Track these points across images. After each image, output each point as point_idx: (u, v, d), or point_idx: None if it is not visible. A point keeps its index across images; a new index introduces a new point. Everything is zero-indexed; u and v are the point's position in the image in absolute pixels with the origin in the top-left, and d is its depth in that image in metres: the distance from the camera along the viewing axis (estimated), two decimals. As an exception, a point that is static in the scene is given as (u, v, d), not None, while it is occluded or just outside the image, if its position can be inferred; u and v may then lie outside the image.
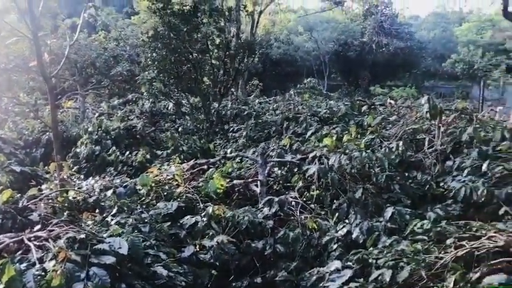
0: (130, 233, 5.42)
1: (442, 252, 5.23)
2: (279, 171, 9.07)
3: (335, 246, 6.51)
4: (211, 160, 9.11)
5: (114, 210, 6.43)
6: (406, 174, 8.26)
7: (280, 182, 8.92)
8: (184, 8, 14.07)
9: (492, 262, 4.82)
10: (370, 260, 5.44)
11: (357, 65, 35.53)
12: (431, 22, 46.59)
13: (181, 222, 6.67)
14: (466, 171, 7.67)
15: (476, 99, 29.02)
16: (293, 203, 7.63)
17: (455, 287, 4.62)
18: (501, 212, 6.41)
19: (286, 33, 33.75)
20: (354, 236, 6.39)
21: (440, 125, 9.27)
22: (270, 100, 20.23)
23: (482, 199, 6.84)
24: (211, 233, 6.48)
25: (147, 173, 7.90)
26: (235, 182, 8.24)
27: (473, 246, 5.19)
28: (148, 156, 10.79)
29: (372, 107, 14.05)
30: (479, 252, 5.10)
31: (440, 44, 41.22)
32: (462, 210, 6.94)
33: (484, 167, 7.47)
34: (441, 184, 7.78)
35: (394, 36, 35.91)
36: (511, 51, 32.04)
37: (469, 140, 8.69)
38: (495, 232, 5.47)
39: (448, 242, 5.39)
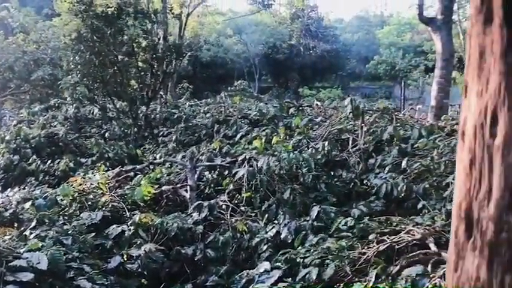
0: (51, 246, 5.15)
1: (365, 247, 5.46)
2: (210, 175, 9.01)
3: (265, 248, 6.56)
4: (138, 166, 8.87)
5: (34, 223, 6.09)
6: (332, 173, 8.53)
7: (212, 185, 8.86)
8: (108, 10, 13.61)
9: (410, 255, 5.10)
10: (297, 259, 5.56)
11: (286, 67, 36.23)
12: (355, 25, 48.55)
13: (107, 232, 6.44)
14: (387, 169, 8.05)
15: (399, 98, 30.61)
16: (223, 206, 7.62)
17: (377, 280, 4.83)
18: (419, 206, 6.78)
19: (216, 35, 33.73)
20: (282, 236, 6.48)
21: (362, 124, 9.67)
22: (200, 103, 20.07)
23: (402, 194, 7.22)
24: (139, 242, 6.31)
25: (68, 182, 7.54)
26: (163, 188, 8.08)
27: (393, 240, 5.46)
28: (71, 164, 10.32)
29: (300, 108, 14.36)
30: (399, 246, 5.38)
31: (363, 46, 43.03)
32: (384, 206, 7.27)
33: (404, 164, 7.90)
34: (365, 181, 8.12)
35: (320, 39, 37.03)
36: (429, 53, 34.09)
37: (390, 139, 9.14)
38: (413, 226, 5.80)
39: (371, 237, 5.63)
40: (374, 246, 5.38)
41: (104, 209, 7.06)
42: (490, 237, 0.96)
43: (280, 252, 5.88)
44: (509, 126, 0.94)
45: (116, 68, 14.12)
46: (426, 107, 18.96)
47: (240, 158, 8.42)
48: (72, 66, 14.00)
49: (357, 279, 5.04)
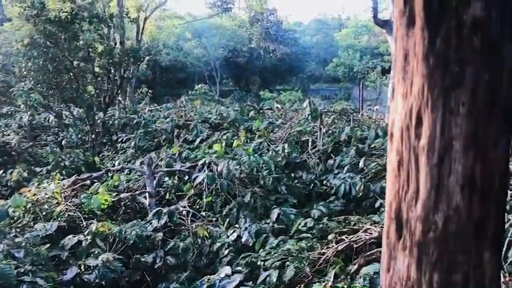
0: (1, 260, 4.93)
1: (325, 248, 5.51)
2: (170, 181, 8.90)
3: (226, 252, 6.51)
4: (95, 174, 8.64)
5: (-18, 238, 5.82)
6: (292, 175, 8.60)
7: (172, 191, 8.76)
8: (61, 14, 13.24)
9: (368, 253, 5.18)
10: (258, 263, 5.55)
11: (247, 70, 36.31)
12: (313, 28, 49.26)
13: (62, 243, 6.23)
14: (345, 169, 8.18)
15: (357, 99, 31.19)
16: (184, 212, 7.53)
17: (336, 280, 4.87)
18: (377, 204, 6.91)
19: (174, 39, 33.40)
20: (243, 240, 6.45)
21: (321, 126, 9.81)
22: (161, 108, 19.83)
23: (360, 194, 7.35)
24: (96, 252, 6.14)
25: (20, 193, 7.27)
26: (122, 195, 7.91)
27: (351, 239, 5.53)
28: (25, 174, 9.95)
29: (261, 111, 14.42)
30: (358, 245, 5.46)
31: (322, 49, 43.72)
32: (343, 205, 7.38)
33: (361, 163, 8.04)
34: (324, 182, 8.22)
35: (280, 42, 37.33)
36: (385, 55, 34.93)
37: (348, 139, 9.31)
38: (371, 224, 5.90)
39: (330, 237, 5.69)
40: (333, 246, 5.43)
41: (59, 219, 6.84)
42: (418, 237, 0.97)
43: (241, 256, 5.86)
44: (433, 128, 0.95)
45: (71, 74, 13.76)
46: (384, 108, 19.43)
47: (199, 163, 8.35)
48: (25, 72, 13.54)
49: (316, 279, 5.07)
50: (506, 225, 5.00)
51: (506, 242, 4.90)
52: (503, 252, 4.77)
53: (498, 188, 0.94)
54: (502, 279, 4.44)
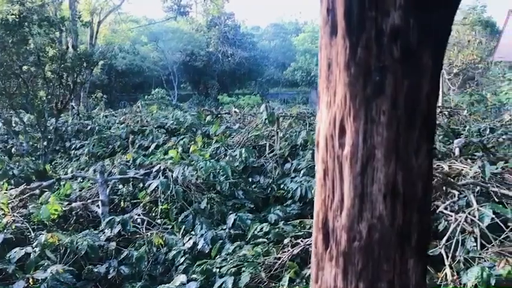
0: None
1: (280, 252, 5.52)
2: (125, 188, 8.70)
3: (182, 260, 6.42)
4: (45, 183, 8.33)
5: None
6: (250, 179, 8.59)
7: (128, 199, 8.56)
8: (8, 17, 12.72)
9: (322, 256, 5.22)
10: (214, 270, 5.49)
11: (205, 74, 36.12)
12: (271, 32, 49.61)
13: (8, 256, 5.96)
14: (302, 172, 8.24)
15: (316, 103, 31.57)
16: (139, 220, 7.37)
17: (291, 284, 4.89)
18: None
19: (130, 43, 32.81)
20: (199, 246, 6.38)
21: (278, 130, 9.85)
22: (116, 113, 19.41)
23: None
24: (46, 264, 5.91)
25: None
26: (73, 204, 7.66)
27: (307, 243, 5.57)
28: (-30, 184, 9.47)
29: (218, 116, 14.35)
30: (313, 248, 5.49)
31: (280, 53, 44.09)
32: (300, 209, 7.42)
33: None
34: (281, 186, 8.25)
35: (238, 47, 37.38)
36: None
37: (304, 143, 9.39)
38: (325, 227, 5.95)
39: (286, 241, 5.70)
40: (288, 250, 5.45)
41: (5, 231, 6.54)
42: (344, 247, 0.97)
43: (197, 264, 5.79)
44: (356, 137, 0.95)
45: (21, 79, 13.24)
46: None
47: (154, 169, 8.20)
48: (-30, 78, 12.92)
49: (272, 284, 5.07)
50: (453, 225, 5.18)
51: (454, 241, 5.07)
52: (451, 251, 4.92)
53: (421, 195, 0.95)
54: (450, 278, 4.58)
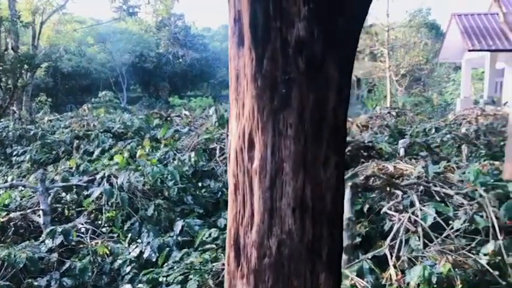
0: None
1: (228, 257, 5.47)
2: (68, 196, 8.37)
3: (128, 269, 6.23)
4: (-20, 193, 7.89)
5: None
6: (200, 184, 8.47)
7: (73, 207, 8.24)
8: None
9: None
10: (160, 278, 5.37)
11: (155, 76, 35.53)
12: (222, 34, 49.46)
13: None
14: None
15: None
16: (83, 229, 7.11)
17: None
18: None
19: (76, 44, 31.75)
20: (146, 255, 6.22)
21: (228, 133, 9.80)
22: (61, 117, 18.70)
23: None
24: (-20, 280, 5.59)
25: None
26: (12, 215, 7.29)
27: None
28: None
29: (168, 118, 14.12)
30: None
31: (232, 55, 43.95)
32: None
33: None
34: (231, 190, 8.20)
35: (189, 48, 37.04)
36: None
37: (253, 146, 9.38)
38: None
39: (234, 246, 5.66)
40: (236, 254, 5.40)
41: None
42: (254, 264, 0.94)
43: (143, 273, 5.64)
44: (264, 150, 0.93)
45: (-46, 83, 12.54)
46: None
47: (98, 176, 7.93)
48: None
49: (220, 290, 5.01)
50: (397, 225, 5.32)
51: (398, 241, 5.20)
52: (396, 251, 5.05)
53: (331, 208, 0.94)
54: (395, 278, 4.69)
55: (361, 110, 25.82)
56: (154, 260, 6.19)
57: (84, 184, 7.86)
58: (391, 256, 4.76)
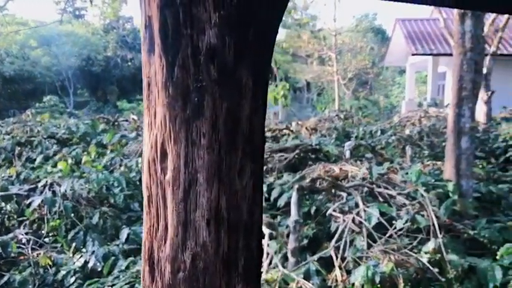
0: None
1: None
2: (9, 206, 7.98)
3: (72, 280, 6.01)
4: None
5: None
6: (147, 189, 8.32)
7: (14, 217, 7.86)
8: None
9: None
10: (105, 288, 5.21)
11: (103, 79, 34.63)
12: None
13: None
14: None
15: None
16: (24, 240, 6.79)
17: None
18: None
19: (18, 47, 30.39)
20: (90, 264, 6.02)
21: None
22: (3, 123, 17.84)
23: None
24: None
25: None
26: None
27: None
28: None
29: (116, 123, 13.79)
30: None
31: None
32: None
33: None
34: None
35: (138, 51, 36.29)
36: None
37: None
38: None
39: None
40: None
41: None
42: (168, 279, 0.91)
43: (88, 283, 5.44)
44: (177, 161, 0.90)
45: None
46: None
47: (40, 184, 7.61)
48: None
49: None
50: (341, 227, 5.42)
51: (343, 242, 5.30)
52: (341, 252, 5.14)
53: (247, 218, 0.92)
54: (340, 279, 4.77)
55: (311, 113, 26.26)
56: (99, 269, 6.01)
57: (25, 193, 7.51)
58: (336, 257, 4.84)
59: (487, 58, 12.75)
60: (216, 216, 0.90)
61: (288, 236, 5.41)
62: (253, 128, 0.92)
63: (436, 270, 4.69)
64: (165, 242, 0.93)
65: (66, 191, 7.12)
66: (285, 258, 5.33)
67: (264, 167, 5.80)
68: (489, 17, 12.08)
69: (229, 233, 0.91)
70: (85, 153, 10.00)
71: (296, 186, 5.80)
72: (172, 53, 0.89)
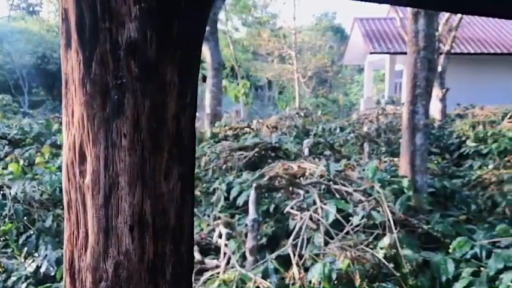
0: None
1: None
2: (-45, 211, 7.59)
3: (24, 286, 5.79)
4: None
5: None
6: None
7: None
8: None
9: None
10: (56, 293, 5.04)
11: (59, 78, 33.31)
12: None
13: None
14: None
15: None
16: (-29, 246, 6.49)
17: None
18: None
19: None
20: (43, 269, 5.81)
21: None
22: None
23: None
24: None
25: None
26: None
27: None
28: None
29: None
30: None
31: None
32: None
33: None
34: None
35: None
36: (204, 62, 35.78)
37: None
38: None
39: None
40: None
41: None
42: (89, 289, 0.87)
43: (39, 288, 5.25)
44: (97, 163, 0.84)
45: None
46: (203, 114, 19.82)
47: (-11, 187, 7.28)
48: None
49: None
50: (299, 224, 5.43)
51: (300, 239, 5.31)
52: (299, 249, 5.14)
53: (175, 223, 0.88)
54: (297, 277, 4.77)
55: (273, 111, 26.36)
56: (52, 274, 5.81)
57: (-28, 197, 7.17)
58: (294, 255, 4.85)
59: (442, 57, 13.13)
60: (140, 221, 0.85)
61: (246, 235, 5.38)
62: (181, 128, 0.87)
63: (391, 265, 4.77)
64: (85, 251, 0.87)
65: (17, 193, 6.85)
66: (243, 258, 5.30)
67: (224, 166, 5.77)
68: (443, 16, 12.44)
69: (155, 239, 0.86)
70: (38, 154, 9.65)
71: (254, 184, 5.79)
72: (90, 48, 0.83)
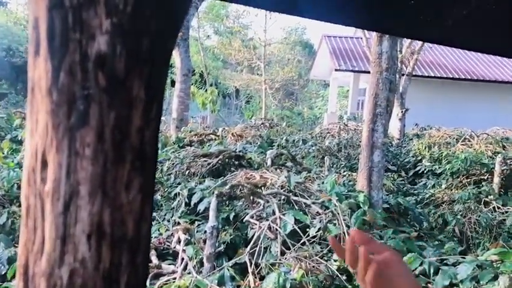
0: None
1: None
2: None
3: (-30, 286, 5.57)
4: None
5: None
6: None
7: None
8: None
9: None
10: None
11: (24, 72, 32.34)
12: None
13: None
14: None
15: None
16: None
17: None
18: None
19: None
20: (-8, 269, 5.62)
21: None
22: None
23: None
24: None
25: None
26: None
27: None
28: None
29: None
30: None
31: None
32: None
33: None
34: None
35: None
36: (174, 67, 35.58)
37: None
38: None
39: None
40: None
41: None
42: (43, 296, 0.87)
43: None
44: (58, 171, 0.85)
45: None
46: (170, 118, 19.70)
47: None
48: None
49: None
50: (257, 233, 5.49)
51: (258, 248, 5.37)
52: (255, 258, 5.19)
53: (133, 234, 0.89)
54: (252, 285, 4.81)
55: (239, 119, 26.43)
56: (3, 273, 5.63)
57: None
58: (251, 263, 4.89)
59: (403, 78, 13.57)
60: (98, 230, 0.86)
61: (205, 241, 5.38)
62: (145, 141, 0.89)
63: (344, 277, 4.88)
64: (41, 256, 0.88)
65: (-32, 189, 6.61)
66: (201, 264, 5.30)
67: (187, 171, 5.74)
68: (407, 40, 12.87)
69: (112, 248, 0.87)
70: (-1, 150, 9.36)
71: (216, 192, 5.81)
72: (59, 58, 0.84)
